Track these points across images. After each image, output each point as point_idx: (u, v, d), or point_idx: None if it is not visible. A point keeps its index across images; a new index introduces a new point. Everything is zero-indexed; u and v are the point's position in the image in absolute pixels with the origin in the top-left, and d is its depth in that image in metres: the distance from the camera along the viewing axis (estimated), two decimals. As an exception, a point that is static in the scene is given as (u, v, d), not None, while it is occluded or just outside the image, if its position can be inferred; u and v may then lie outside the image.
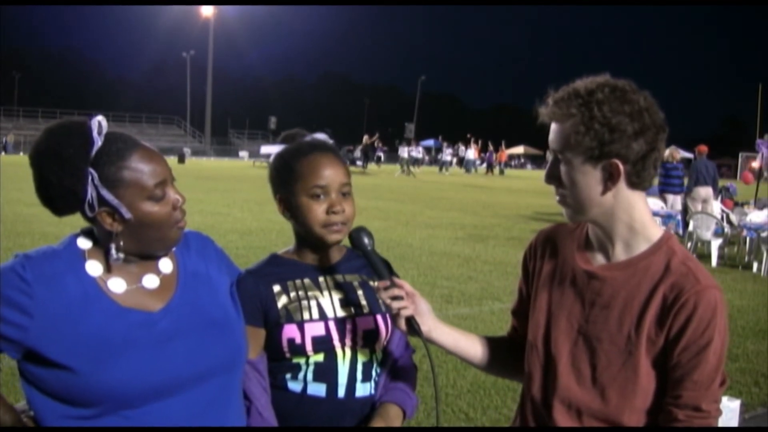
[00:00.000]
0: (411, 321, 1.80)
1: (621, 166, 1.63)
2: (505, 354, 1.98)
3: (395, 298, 1.79)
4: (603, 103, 1.61)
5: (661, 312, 1.65)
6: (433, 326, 1.84)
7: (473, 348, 1.95)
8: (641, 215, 1.72)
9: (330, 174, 1.95)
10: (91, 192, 1.59)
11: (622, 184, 1.66)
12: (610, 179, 1.65)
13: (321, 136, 2.11)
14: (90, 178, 1.58)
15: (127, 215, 1.61)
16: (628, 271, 1.71)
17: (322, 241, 1.98)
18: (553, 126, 1.68)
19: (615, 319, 1.69)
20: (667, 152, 14.62)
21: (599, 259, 1.77)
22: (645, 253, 1.71)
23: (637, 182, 1.68)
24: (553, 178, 1.71)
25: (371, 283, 2.03)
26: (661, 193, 15.32)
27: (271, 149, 2.10)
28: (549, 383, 1.77)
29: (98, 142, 1.60)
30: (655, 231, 1.74)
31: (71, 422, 1.60)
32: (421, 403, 4.96)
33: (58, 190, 1.60)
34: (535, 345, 1.82)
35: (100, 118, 1.63)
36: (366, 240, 1.89)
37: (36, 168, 1.62)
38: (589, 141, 1.62)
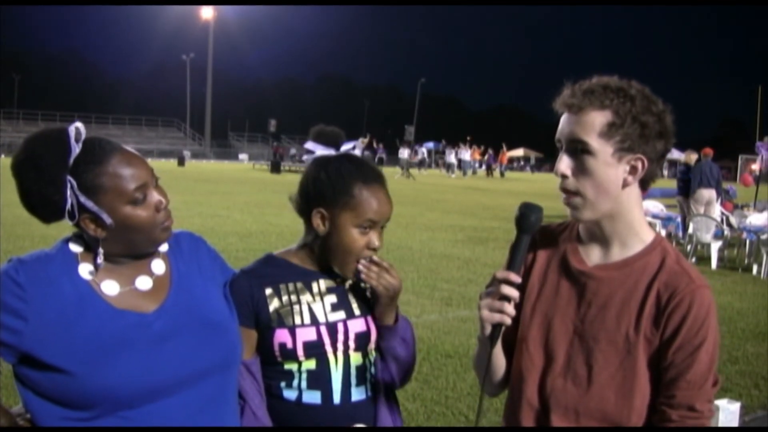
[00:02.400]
0: (498, 328, 1.69)
1: (646, 163, 1.67)
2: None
3: (506, 298, 1.66)
4: (635, 99, 1.65)
5: (656, 311, 1.66)
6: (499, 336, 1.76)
7: (502, 360, 1.89)
8: (640, 215, 1.76)
9: (384, 210, 1.95)
10: (70, 200, 1.60)
11: (636, 182, 1.70)
12: (632, 174, 1.68)
13: (351, 144, 2.11)
14: (69, 185, 1.59)
15: (108, 221, 1.61)
16: (624, 270, 1.72)
17: (344, 271, 1.97)
18: (578, 117, 1.66)
19: (612, 319, 1.69)
20: (684, 156, 14.62)
21: (594, 258, 1.77)
22: (641, 253, 1.72)
23: (646, 182, 1.72)
24: (569, 168, 1.69)
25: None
26: (686, 196, 15.04)
27: (315, 147, 2.10)
28: (545, 386, 1.76)
29: (76, 149, 1.60)
30: (649, 232, 1.76)
31: (69, 424, 1.60)
32: (421, 405, 4.98)
33: (38, 199, 1.61)
34: (527, 347, 1.80)
35: (78, 124, 1.64)
36: (533, 219, 1.71)
37: (17, 178, 1.63)
38: (622, 134, 1.64)
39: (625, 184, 1.68)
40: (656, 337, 1.66)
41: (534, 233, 1.74)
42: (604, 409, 1.70)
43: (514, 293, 1.67)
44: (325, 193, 1.94)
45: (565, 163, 1.69)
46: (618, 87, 1.66)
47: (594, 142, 1.65)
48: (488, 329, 1.70)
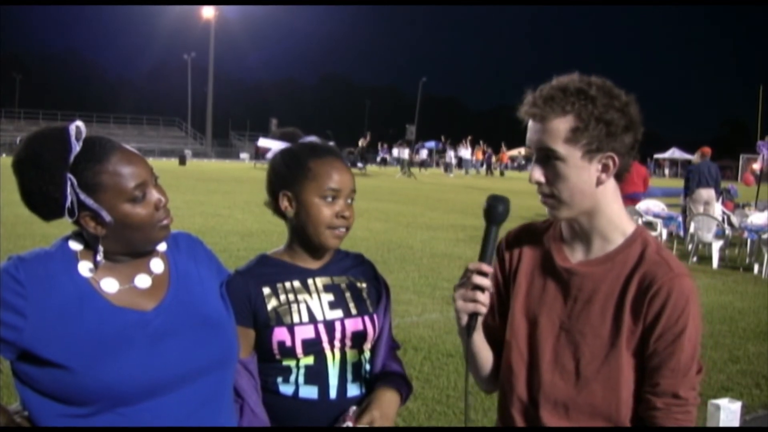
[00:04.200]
0: (474, 318, 1.71)
1: (617, 159, 1.67)
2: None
3: (481, 288, 1.68)
4: (596, 99, 1.65)
5: (636, 301, 1.68)
6: (477, 327, 1.77)
7: (486, 353, 1.89)
8: (619, 209, 1.77)
9: (344, 179, 1.98)
10: (71, 197, 1.60)
11: (610, 178, 1.71)
12: (605, 172, 1.69)
13: (314, 138, 2.12)
14: (69, 183, 1.60)
15: (108, 219, 1.62)
16: (607, 265, 1.74)
17: (322, 244, 1.98)
18: (542, 125, 1.68)
19: (597, 313, 1.71)
20: (697, 155, 14.63)
21: (577, 255, 1.79)
22: (622, 246, 1.74)
23: (620, 174, 1.73)
24: (542, 175, 1.71)
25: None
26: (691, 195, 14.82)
27: (271, 143, 2.11)
28: (533, 381, 1.78)
29: (76, 147, 1.61)
30: (630, 224, 1.78)
31: (67, 421, 1.60)
32: (422, 405, 4.99)
33: (39, 197, 1.62)
34: (517, 343, 1.82)
35: (78, 122, 1.64)
36: (501, 209, 1.74)
37: (18, 176, 1.63)
38: (587, 136, 1.65)
39: (599, 182, 1.70)
40: (638, 327, 1.68)
41: (502, 223, 1.76)
42: (592, 402, 1.71)
43: (486, 282, 1.68)
44: (284, 175, 2.01)
45: (538, 172, 1.72)
46: (577, 89, 1.66)
47: (561, 148, 1.66)
48: (464, 319, 1.72)
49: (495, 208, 1.75)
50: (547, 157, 1.69)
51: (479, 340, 1.85)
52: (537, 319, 1.79)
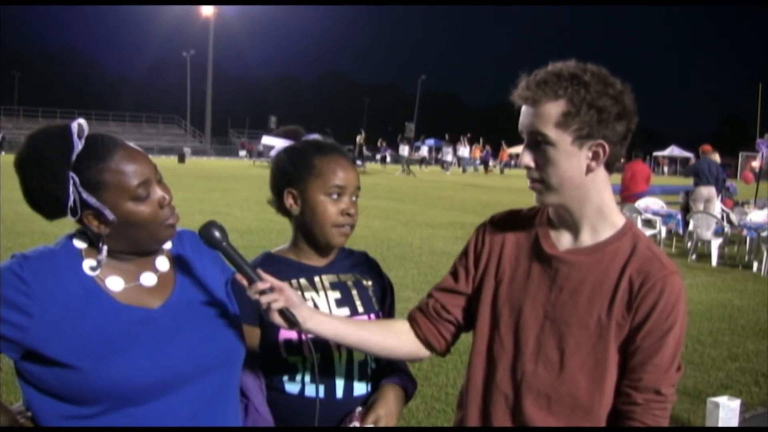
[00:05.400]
0: (285, 313, 1.70)
1: (607, 147, 1.66)
2: (408, 335, 1.91)
3: (263, 292, 1.69)
4: (589, 85, 1.64)
5: (628, 296, 1.67)
6: (308, 316, 1.73)
7: (358, 333, 1.84)
8: (610, 199, 1.76)
9: (349, 177, 1.98)
10: (73, 196, 1.59)
11: (600, 166, 1.70)
12: (594, 160, 1.68)
13: (317, 136, 2.12)
14: (71, 182, 1.59)
15: (111, 217, 1.61)
16: (596, 255, 1.72)
17: (328, 241, 1.98)
18: (534, 108, 1.67)
19: (584, 303, 1.70)
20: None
21: (565, 243, 1.77)
22: (612, 238, 1.73)
23: (611, 164, 1.72)
24: (532, 160, 1.70)
25: (350, 282, 2.00)
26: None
27: (274, 141, 2.11)
28: (516, 371, 1.75)
29: (78, 145, 1.60)
30: (620, 217, 1.77)
31: (73, 422, 1.59)
32: (422, 402, 4.99)
33: (41, 195, 1.61)
34: (498, 332, 1.79)
35: (81, 120, 1.63)
36: (218, 235, 1.70)
37: (20, 174, 1.62)
38: (578, 122, 1.64)
39: (588, 170, 1.69)
40: (627, 322, 1.67)
41: (227, 241, 1.73)
42: (575, 393, 1.71)
43: (258, 287, 1.68)
44: (289, 172, 2.00)
45: (527, 156, 1.71)
46: (571, 74, 1.65)
47: (552, 132, 1.66)
48: (277, 318, 1.71)
49: (211, 236, 1.70)
50: (537, 142, 1.69)
51: (328, 326, 1.78)
52: (521, 308, 1.77)
